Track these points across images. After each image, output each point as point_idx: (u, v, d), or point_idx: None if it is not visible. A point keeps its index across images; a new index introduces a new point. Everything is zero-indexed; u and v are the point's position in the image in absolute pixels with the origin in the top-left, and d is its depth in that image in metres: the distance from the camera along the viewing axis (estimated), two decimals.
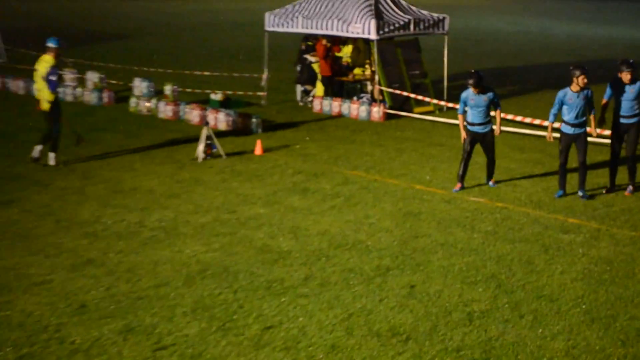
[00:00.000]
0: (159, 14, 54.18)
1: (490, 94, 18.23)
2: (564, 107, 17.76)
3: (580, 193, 18.02)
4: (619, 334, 11.96)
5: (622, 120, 17.92)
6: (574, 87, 17.71)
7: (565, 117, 17.86)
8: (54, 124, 20.16)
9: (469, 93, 18.19)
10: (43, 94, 20.28)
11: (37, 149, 20.34)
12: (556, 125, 18.39)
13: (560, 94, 17.90)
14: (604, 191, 18.45)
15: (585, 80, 17.71)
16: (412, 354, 11.27)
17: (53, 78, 20.01)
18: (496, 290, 13.34)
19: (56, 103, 20.15)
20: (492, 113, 18.42)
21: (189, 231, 15.85)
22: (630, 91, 17.85)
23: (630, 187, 18.29)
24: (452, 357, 11.24)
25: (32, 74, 27.51)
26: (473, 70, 18.69)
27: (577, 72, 17.68)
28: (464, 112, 18.36)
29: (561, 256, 14.83)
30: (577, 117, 17.72)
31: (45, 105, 20.17)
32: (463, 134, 18.48)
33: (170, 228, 16.01)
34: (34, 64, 31.14)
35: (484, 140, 18.31)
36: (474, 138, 18.40)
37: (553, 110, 18.03)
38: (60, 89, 20.51)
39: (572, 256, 14.83)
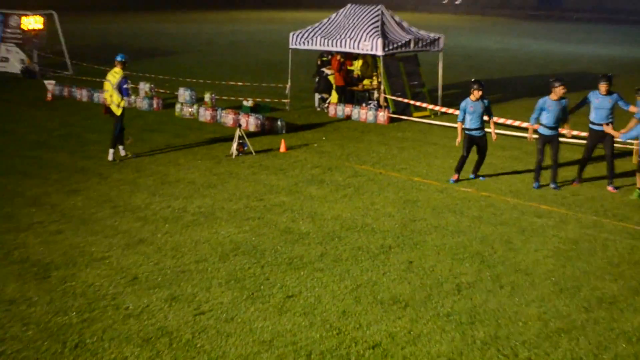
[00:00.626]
0: (200, 34, 54.09)
1: (486, 102, 18.16)
2: (543, 113, 17.70)
3: (552, 185, 18.01)
4: (582, 301, 11.99)
5: (597, 128, 17.86)
6: (553, 96, 17.71)
7: (544, 121, 17.77)
8: (119, 125, 20.23)
9: (468, 102, 18.08)
10: (114, 99, 20.31)
11: (118, 149, 20.53)
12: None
13: (541, 101, 17.86)
14: (575, 183, 18.47)
15: (564, 90, 17.74)
16: (410, 319, 11.33)
17: (125, 86, 20.08)
18: (480, 265, 13.39)
19: (124, 108, 20.22)
20: (485, 118, 18.42)
21: (224, 216, 15.91)
22: (607, 101, 17.79)
23: (611, 185, 18.16)
24: (443, 321, 11.30)
25: (94, 84, 27.58)
26: (474, 80, 18.63)
27: (557, 84, 17.74)
28: (463, 120, 18.25)
29: (535, 237, 14.86)
30: (553, 121, 17.69)
31: (115, 109, 20.26)
32: (459, 138, 18.40)
33: (208, 213, 16.08)
34: (95, 76, 31.22)
35: (480, 142, 18.26)
36: (472, 141, 18.35)
37: (534, 115, 17.94)
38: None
39: (544, 237, 14.86)
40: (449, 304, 11.88)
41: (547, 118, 17.79)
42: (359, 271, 13.12)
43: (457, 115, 24.91)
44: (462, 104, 18.25)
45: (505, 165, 19.12)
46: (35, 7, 41.44)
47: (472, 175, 18.98)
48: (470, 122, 18.18)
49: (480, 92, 18.10)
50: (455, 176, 18.66)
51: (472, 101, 18.06)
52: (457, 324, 11.23)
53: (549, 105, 17.70)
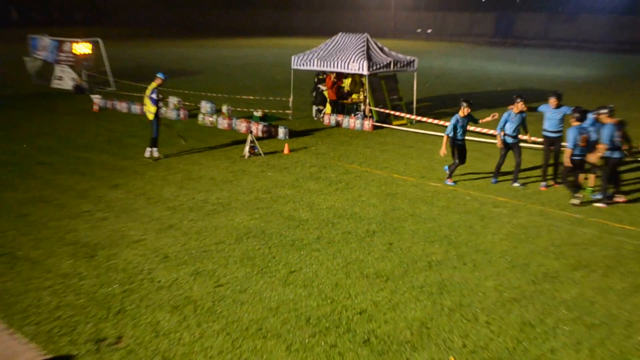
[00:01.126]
0: (218, 57, 53.96)
1: (470, 115, 17.95)
2: (507, 124, 17.69)
3: (516, 184, 17.91)
4: (531, 276, 12.03)
5: (550, 135, 17.85)
6: (515, 109, 17.64)
7: (507, 131, 17.75)
8: (156, 129, 20.33)
9: (458, 118, 17.72)
10: (148, 108, 20.42)
11: (152, 151, 20.52)
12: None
13: (506, 114, 17.75)
14: (542, 187, 17.99)
15: (523, 106, 17.72)
16: (390, 290, 11.38)
17: (153, 96, 20.11)
18: (448, 246, 13.41)
19: (156, 115, 20.26)
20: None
21: (238, 206, 15.93)
22: (556, 114, 17.74)
23: (551, 182, 18.10)
24: (417, 291, 11.34)
25: (132, 98, 27.49)
26: (464, 98, 18.42)
27: (519, 99, 17.73)
28: (450, 133, 17.79)
29: (492, 223, 14.89)
30: (514, 131, 17.63)
31: (150, 116, 20.34)
32: (444, 149, 17.84)
33: (225, 204, 16.09)
34: (132, 92, 31.16)
35: (464, 148, 18.15)
36: (460, 147, 18.04)
37: (500, 125, 17.76)
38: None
39: (499, 223, 14.89)
40: (422, 278, 11.93)
41: (510, 128, 17.70)
42: (349, 251, 13.16)
43: (429, 123, 25.10)
44: (453, 121, 17.80)
45: (468, 165, 19.11)
46: (85, 35, 41.44)
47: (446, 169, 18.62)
48: (459, 134, 17.88)
49: (469, 110, 17.85)
50: (450, 180, 18.29)
51: (461, 117, 17.77)
52: (429, 294, 11.28)
53: (512, 117, 17.62)
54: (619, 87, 37.49)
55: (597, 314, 10.71)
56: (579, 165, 16.42)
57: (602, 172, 16.59)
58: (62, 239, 13.72)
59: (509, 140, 17.87)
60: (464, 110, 17.82)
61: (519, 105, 17.76)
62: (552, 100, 17.94)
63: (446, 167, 18.55)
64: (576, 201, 16.26)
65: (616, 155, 16.13)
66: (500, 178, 18.26)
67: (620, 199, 16.62)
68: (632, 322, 10.40)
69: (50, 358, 9.29)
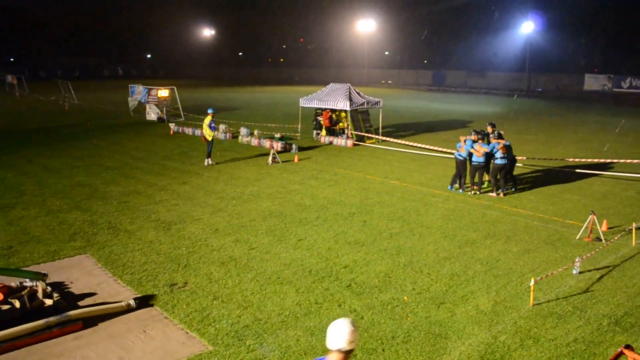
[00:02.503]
0: (253, 99, 53.83)
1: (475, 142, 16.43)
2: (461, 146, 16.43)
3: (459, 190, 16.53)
4: (457, 242, 11.93)
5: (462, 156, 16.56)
6: (473, 137, 16.26)
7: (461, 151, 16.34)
8: (210, 146, 20.28)
9: (471, 142, 16.25)
10: (205, 132, 20.36)
11: (208, 160, 20.45)
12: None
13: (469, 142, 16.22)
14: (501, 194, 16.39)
15: (474, 137, 16.24)
16: (364, 252, 11.29)
17: (212, 124, 20.11)
18: (402, 223, 13.30)
19: (213, 137, 20.25)
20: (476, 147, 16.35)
21: (264, 196, 15.79)
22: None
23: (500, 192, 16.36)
24: (382, 253, 11.25)
25: (195, 125, 27.34)
26: (474, 130, 16.92)
27: (473, 133, 16.44)
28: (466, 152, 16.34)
29: (431, 207, 14.76)
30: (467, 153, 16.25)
31: (208, 138, 20.27)
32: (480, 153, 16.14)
33: (256, 194, 15.96)
34: (195, 121, 30.96)
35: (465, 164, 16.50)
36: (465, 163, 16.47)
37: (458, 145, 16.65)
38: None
39: (436, 207, 14.77)
40: (385, 244, 11.81)
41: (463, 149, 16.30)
42: (337, 226, 13.03)
43: (391, 142, 24.94)
44: (469, 142, 16.23)
45: (415, 170, 19.00)
46: (165, 84, 41.36)
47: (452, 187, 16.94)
48: (465, 154, 16.32)
49: (476, 137, 16.32)
50: (453, 186, 16.89)
51: (472, 141, 16.22)
52: (390, 255, 11.16)
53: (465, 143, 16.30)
54: (514, 119, 37.39)
55: (500, 267, 10.61)
56: (481, 168, 16.25)
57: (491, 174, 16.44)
58: (148, 218, 13.61)
59: (460, 157, 16.45)
60: (473, 137, 16.36)
61: (473, 136, 16.37)
62: (489, 128, 17.19)
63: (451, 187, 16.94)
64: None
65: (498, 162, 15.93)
66: (441, 183, 18.13)
67: (496, 193, 16.21)
68: (524, 273, 10.30)
69: (140, 296, 9.19)
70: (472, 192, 16.37)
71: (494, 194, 16.11)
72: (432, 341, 7.93)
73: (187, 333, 8.12)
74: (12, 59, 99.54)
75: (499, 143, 15.98)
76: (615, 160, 20.06)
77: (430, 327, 8.31)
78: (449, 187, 16.96)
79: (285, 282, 9.85)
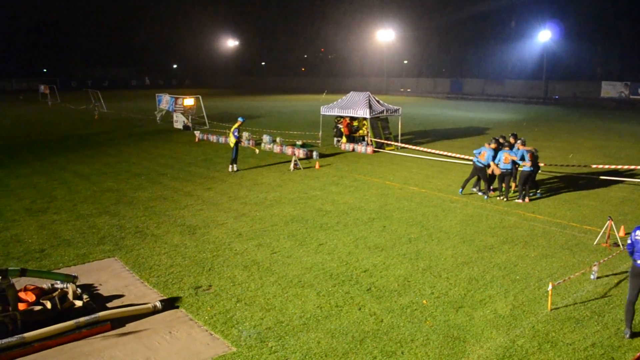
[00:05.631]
0: (275, 107, 54.05)
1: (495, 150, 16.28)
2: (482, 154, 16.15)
3: (484, 196, 16.30)
4: (475, 247, 11.81)
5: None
6: (492, 146, 16.13)
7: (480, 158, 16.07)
8: (235, 153, 20.30)
9: (492, 151, 16.09)
10: (230, 139, 20.40)
11: (233, 167, 20.46)
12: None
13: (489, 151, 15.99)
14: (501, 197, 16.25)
15: (494, 145, 16.07)
16: (384, 256, 11.23)
17: (236, 133, 20.16)
18: (421, 228, 13.22)
19: (237, 144, 20.29)
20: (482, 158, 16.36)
21: (286, 201, 15.83)
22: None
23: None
24: (401, 257, 11.18)
25: (220, 133, 27.48)
26: (494, 138, 16.62)
27: (493, 141, 16.22)
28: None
29: (450, 213, 14.66)
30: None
31: (231, 145, 20.32)
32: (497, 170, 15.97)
33: (278, 200, 16.00)
34: (220, 129, 31.16)
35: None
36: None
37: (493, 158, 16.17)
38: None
39: (454, 213, 14.66)
40: (404, 249, 11.75)
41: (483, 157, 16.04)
42: (357, 231, 13.00)
43: (410, 149, 24.83)
44: (490, 153, 16.02)
45: (433, 176, 18.89)
46: (191, 93, 41.75)
47: (480, 192, 16.73)
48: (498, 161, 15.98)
49: (495, 146, 16.15)
50: (462, 189, 16.84)
51: (494, 149, 16.08)
52: (409, 259, 11.10)
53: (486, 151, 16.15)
54: (531, 125, 37.00)
55: (518, 272, 10.48)
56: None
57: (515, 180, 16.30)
58: (174, 222, 13.72)
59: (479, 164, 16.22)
60: (492, 146, 16.14)
61: (493, 143, 16.23)
62: (511, 139, 16.76)
63: (480, 192, 16.68)
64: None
65: (526, 169, 15.83)
66: (453, 187, 17.99)
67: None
68: (541, 278, 10.16)
69: (166, 298, 9.25)
70: (501, 197, 16.18)
71: (520, 200, 15.93)
72: (451, 344, 7.86)
73: (211, 334, 8.15)
74: (44, 70, 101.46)
75: (527, 151, 15.78)
76: (632, 167, 19.73)
77: (448, 331, 8.23)
78: (460, 190, 16.79)
79: (306, 285, 9.85)
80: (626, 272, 10.45)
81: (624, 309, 8.80)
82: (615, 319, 8.60)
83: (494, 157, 16.16)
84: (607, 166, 20.18)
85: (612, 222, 11.98)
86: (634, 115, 45.51)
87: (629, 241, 8.08)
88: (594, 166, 20.03)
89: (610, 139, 29.65)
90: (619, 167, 20.09)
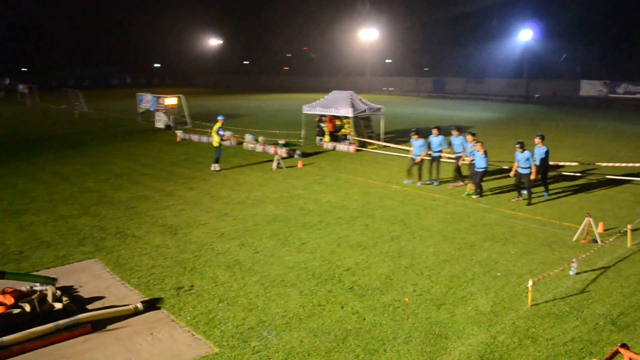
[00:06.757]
0: (257, 106, 53.81)
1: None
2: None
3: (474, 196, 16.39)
4: (456, 245, 11.90)
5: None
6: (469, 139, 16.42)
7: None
8: (218, 152, 20.26)
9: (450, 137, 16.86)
10: (214, 139, 20.26)
11: (215, 166, 20.39)
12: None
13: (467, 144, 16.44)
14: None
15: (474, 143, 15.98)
16: (366, 255, 11.25)
17: (220, 132, 20.07)
18: (403, 226, 13.27)
19: (220, 143, 20.22)
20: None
21: (269, 201, 15.79)
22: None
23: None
24: (384, 256, 11.21)
25: (202, 132, 27.35)
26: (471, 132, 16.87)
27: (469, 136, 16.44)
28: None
29: (432, 211, 14.74)
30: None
31: (215, 143, 20.25)
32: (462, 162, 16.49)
33: (260, 199, 15.96)
34: (202, 128, 31.02)
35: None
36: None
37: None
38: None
39: (436, 211, 14.74)
40: (387, 247, 11.79)
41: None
42: (340, 230, 13.01)
43: (392, 147, 24.90)
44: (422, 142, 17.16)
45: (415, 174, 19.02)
46: (173, 93, 41.53)
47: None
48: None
49: (477, 142, 16.01)
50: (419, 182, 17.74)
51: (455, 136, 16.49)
52: (391, 257, 11.14)
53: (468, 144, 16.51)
54: (511, 123, 37.34)
55: (499, 269, 10.57)
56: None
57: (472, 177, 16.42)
58: (156, 223, 13.62)
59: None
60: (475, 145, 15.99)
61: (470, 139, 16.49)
62: (536, 140, 16.07)
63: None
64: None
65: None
66: (441, 187, 18.08)
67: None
68: (522, 275, 10.27)
69: (147, 299, 9.19)
70: (476, 195, 16.30)
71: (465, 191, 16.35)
72: (433, 341, 7.91)
73: (193, 335, 8.11)
74: (24, 69, 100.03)
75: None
76: (610, 164, 20.01)
77: (430, 328, 8.28)
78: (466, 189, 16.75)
79: (289, 284, 9.84)
80: (604, 267, 10.63)
81: (602, 303, 8.96)
82: (593, 314, 8.72)
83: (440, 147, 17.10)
84: (585, 163, 20.44)
85: (591, 219, 12.14)
86: (612, 113, 46.16)
87: None
88: (573, 163, 20.28)
89: (590, 136, 30.03)
90: (598, 163, 20.37)
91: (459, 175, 17.84)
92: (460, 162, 17.34)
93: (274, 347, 7.76)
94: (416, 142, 17.75)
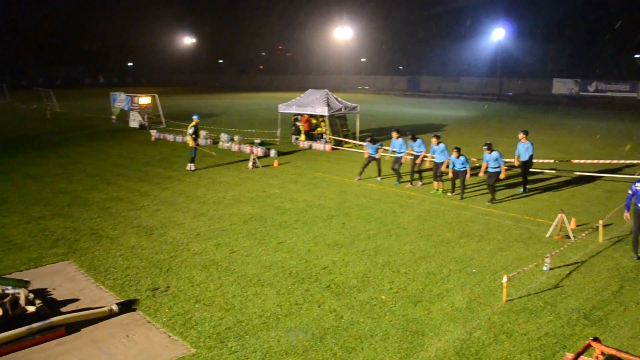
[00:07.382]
0: (232, 105, 53.51)
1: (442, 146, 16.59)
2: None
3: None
4: (432, 242, 11.98)
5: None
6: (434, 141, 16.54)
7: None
8: (194, 152, 20.09)
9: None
10: (188, 140, 20.21)
11: (190, 166, 20.21)
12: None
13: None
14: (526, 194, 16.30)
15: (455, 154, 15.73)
16: (343, 253, 11.27)
17: (191, 131, 19.93)
18: (380, 224, 13.33)
19: (195, 142, 20.12)
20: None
21: (245, 200, 15.73)
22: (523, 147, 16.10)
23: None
24: (360, 254, 11.24)
25: (176, 132, 27.11)
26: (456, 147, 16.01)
27: (455, 150, 15.72)
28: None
29: (408, 209, 14.84)
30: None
31: (190, 144, 20.11)
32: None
33: (236, 199, 15.88)
34: (176, 128, 30.73)
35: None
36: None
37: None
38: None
39: (412, 209, 14.84)
40: (363, 245, 11.83)
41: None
42: (317, 228, 13.01)
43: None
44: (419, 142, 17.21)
45: (391, 172, 19.10)
46: (147, 92, 41.05)
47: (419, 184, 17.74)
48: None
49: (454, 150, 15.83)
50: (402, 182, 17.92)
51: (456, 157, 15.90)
52: (368, 255, 11.18)
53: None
54: (485, 122, 37.78)
55: (474, 265, 10.69)
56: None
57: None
58: (130, 223, 13.46)
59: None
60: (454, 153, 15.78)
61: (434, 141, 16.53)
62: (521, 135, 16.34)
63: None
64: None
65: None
66: (402, 179, 18.22)
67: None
68: (496, 271, 10.39)
69: (122, 301, 9.08)
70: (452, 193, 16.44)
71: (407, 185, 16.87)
72: (410, 338, 7.96)
73: (170, 336, 8.03)
74: None
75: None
76: (582, 161, 20.37)
77: (407, 325, 8.33)
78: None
79: (266, 284, 9.81)
80: (577, 262, 10.82)
81: (575, 298, 9.13)
82: (567, 308, 8.87)
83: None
84: (558, 160, 20.79)
85: (564, 215, 12.35)
86: (583, 112, 46.99)
87: (629, 192, 10.87)
88: (545, 161, 20.59)
89: (561, 134, 30.53)
90: (570, 160, 20.72)
91: (418, 175, 17.93)
92: (419, 161, 17.45)
93: (251, 347, 7.73)
94: (396, 142, 17.85)
